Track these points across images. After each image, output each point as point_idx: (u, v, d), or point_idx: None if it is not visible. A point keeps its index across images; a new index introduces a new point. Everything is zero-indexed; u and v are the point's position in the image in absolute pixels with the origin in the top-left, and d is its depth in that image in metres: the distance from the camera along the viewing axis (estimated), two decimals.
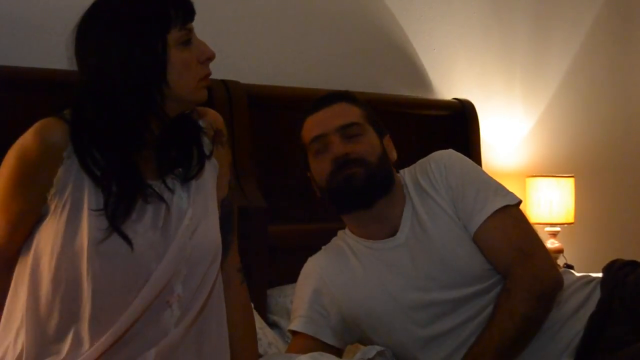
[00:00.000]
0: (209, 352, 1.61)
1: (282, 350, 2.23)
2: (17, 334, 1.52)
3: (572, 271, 2.23)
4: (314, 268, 2.13)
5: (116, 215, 1.48)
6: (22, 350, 1.51)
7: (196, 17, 1.57)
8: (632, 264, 2.09)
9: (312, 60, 3.13)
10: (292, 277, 2.24)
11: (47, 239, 1.50)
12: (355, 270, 2.08)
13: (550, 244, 3.49)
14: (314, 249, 2.19)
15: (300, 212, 2.78)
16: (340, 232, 2.19)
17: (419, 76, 3.45)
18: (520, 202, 2.06)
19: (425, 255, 2.01)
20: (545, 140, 3.85)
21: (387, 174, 2.05)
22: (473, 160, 2.20)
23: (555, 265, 2.06)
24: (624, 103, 4.16)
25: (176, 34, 1.52)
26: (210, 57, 1.57)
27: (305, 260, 2.17)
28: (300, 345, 2.05)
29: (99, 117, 1.50)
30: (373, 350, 1.93)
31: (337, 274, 2.09)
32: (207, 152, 1.66)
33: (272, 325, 2.51)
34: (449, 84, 3.52)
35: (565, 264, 3.51)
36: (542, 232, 3.42)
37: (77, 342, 1.49)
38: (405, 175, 2.12)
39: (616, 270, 2.06)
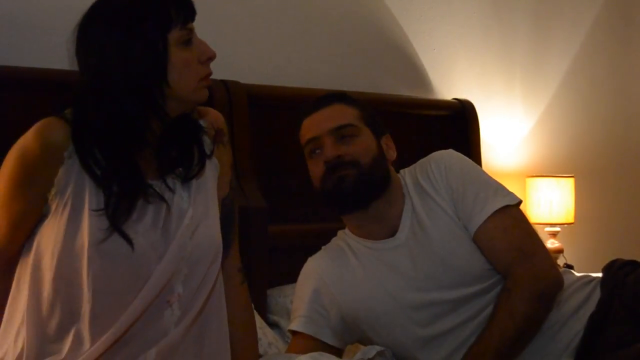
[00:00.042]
0: (210, 351, 1.61)
1: (282, 350, 2.23)
2: (18, 333, 1.53)
3: (572, 271, 2.23)
4: (314, 268, 2.13)
5: (117, 215, 1.48)
6: (22, 350, 1.51)
7: (196, 17, 1.57)
8: (632, 263, 2.09)
9: (312, 60, 3.13)
10: (292, 277, 2.24)
11: (48, 239, 1.51)
12: (355, 270, 2.08)
13: (550, 244, 3.49)
14: (314, 249, 2.19)
15: (300, 212, 2.78)
16: (340, 232, 2.19)
17: (419, 76, 3.45)
18: (520, 202, 2.06)
19: (425, 255, 2.01)
20: (545, 140, 3.85)
21: (383, 175, 2.04)
22: (473, 160, 2.20)
23: (555, 266, 2.06)
24: (624, 103, 4.16)
25: (177, 34, 1.52)
26: (211, 57, 1.57)
27: (305, 260, 2.17)
28: (300, 345, 2.05)
29: (100, 117, 1.50)
30: (373, 350, 1.93)
31: (337, 274, 2.09)
32: (208, 151, 1.66)
33: (272, 325, 2.51)
34: (449, 84, 3.52)
35: (565, 264, 3.51)
36: (542, 232, 3.42)
37: (77, 342, 1.49)
38: (406, 175, 2.12)
39: (616, 270, 2.06)
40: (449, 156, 2.10)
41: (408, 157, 2.22)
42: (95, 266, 1.48)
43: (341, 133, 2.03)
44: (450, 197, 2.03)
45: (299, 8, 3.11)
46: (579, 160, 3.93)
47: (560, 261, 3.51)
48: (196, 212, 1.59)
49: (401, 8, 3.37)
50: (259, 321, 2.20)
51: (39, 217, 1.53)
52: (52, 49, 2.34)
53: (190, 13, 1.55)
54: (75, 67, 1.55)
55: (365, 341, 2.11)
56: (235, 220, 1.76)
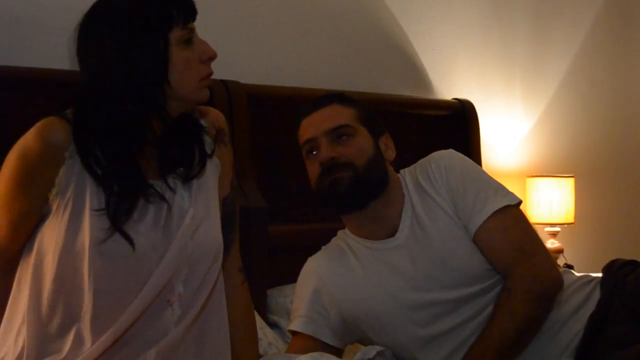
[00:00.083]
0: (210, 351, 1.61)
1: (282, 350, 2.23)
2: (18, 333, 1.53)
3: (572, 271, 2.23)
4: (314, 268, 2.13)
5: (118, 215, 1.48)
6: (23, 349, 1.51)
7: (197, 17, 1.57)
8: (632, 263, 2.09)
9: (312, 60, 3.13)
10: (292, 277, 2.24)
11: (49, 238, 1.51)
12: (355, 270, 2.08)
13: (550, 244, 3.49)
14: (314, 249, 2.19)
15: (300, 212, 2.78)
16: (340, 232, 2.19)
17: (419, 76, 3.45)
18: (520, 202, 2.06)
19: (425, 255, 2.01)
20: (545, 140, 3.85)
21: (379, 175, 2.04)
22: (473, 160, 2.20)
23: (555, 266, 2.06)
24: (624, 103, 4.16)
25: (178, 33, 1.52)
26: (212, 57, 1.57)
27: (305, 260, 2.17)
28: (300, 345, 2.05)
29: (100, 117, 1.50)
30: (373, 350, 1.93)
31: (337, 274, 2.09)
32: (208, 151, 1.66)
33: (272, 325, 2.51)
34: (449, 84, 3.52)
35: (565, 264, 3.51)
36: (542, 232, 3.42)
37: (78, 341, 1.49)
38: (406, 175, 2.12)
39: (616, 270, 2.06)
40: (449, 156, 2.10)
41: (408, 157, 2.22)
42: (96, 266, 1.48)
43: (337, 134, 2.03)
44: (450, 197, 2.03)
45: (299, 8, 3.11)
46: (579, 160, 3.93)
47: (560, 261, 3.51)
48: (197, 212, 1.59)
49: (401, 8, 3.37)
50: (259, 321, 2.20)
51: (40, 217, 1.53)
52: (52, 49, 2.35)
53: (191, 13, 1.55)
54: (75, 67, 1.55)
55: (365, 341, 2.11)
56: (236, 220, 1.76)
